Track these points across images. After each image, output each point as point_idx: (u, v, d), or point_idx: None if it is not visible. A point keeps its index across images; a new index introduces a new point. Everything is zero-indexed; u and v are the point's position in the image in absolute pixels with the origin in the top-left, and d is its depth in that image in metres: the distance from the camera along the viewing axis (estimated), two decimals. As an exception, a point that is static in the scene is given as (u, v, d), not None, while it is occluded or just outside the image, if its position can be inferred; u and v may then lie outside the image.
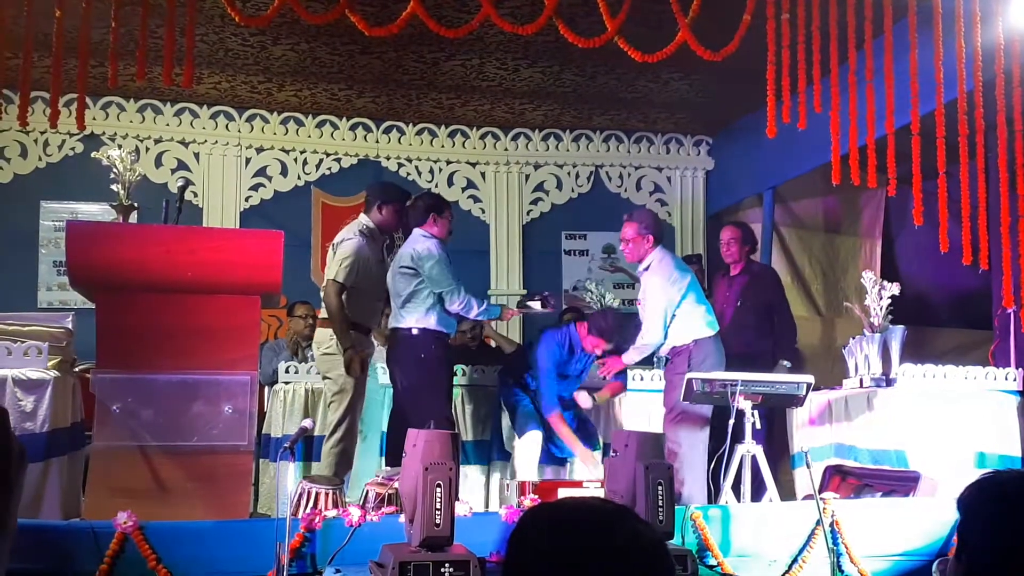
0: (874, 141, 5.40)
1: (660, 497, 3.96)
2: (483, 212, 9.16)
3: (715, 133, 9.34)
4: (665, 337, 5.77)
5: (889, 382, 5.72)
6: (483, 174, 9.19)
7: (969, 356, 7.02)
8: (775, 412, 6.27)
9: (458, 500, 4.01)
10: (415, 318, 5.60)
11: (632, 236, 5.89)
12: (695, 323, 5.77)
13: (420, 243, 5.67)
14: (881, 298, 5.85)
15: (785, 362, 6.59)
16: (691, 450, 5.60)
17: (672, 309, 5.73)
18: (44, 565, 3.84)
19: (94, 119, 8.03)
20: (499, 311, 5.95)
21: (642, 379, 6.60)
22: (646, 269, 5.87)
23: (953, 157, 5.40)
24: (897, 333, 5.81)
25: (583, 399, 6.23)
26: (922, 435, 5.52)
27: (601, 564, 1.51)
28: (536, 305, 6.06)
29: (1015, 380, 5.80)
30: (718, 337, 5.84)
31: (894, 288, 5.84)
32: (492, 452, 6.40)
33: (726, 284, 7.09)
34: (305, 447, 6.08)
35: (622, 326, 5.92)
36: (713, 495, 5.44)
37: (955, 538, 1.83)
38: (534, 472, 5.93)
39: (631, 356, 5.91)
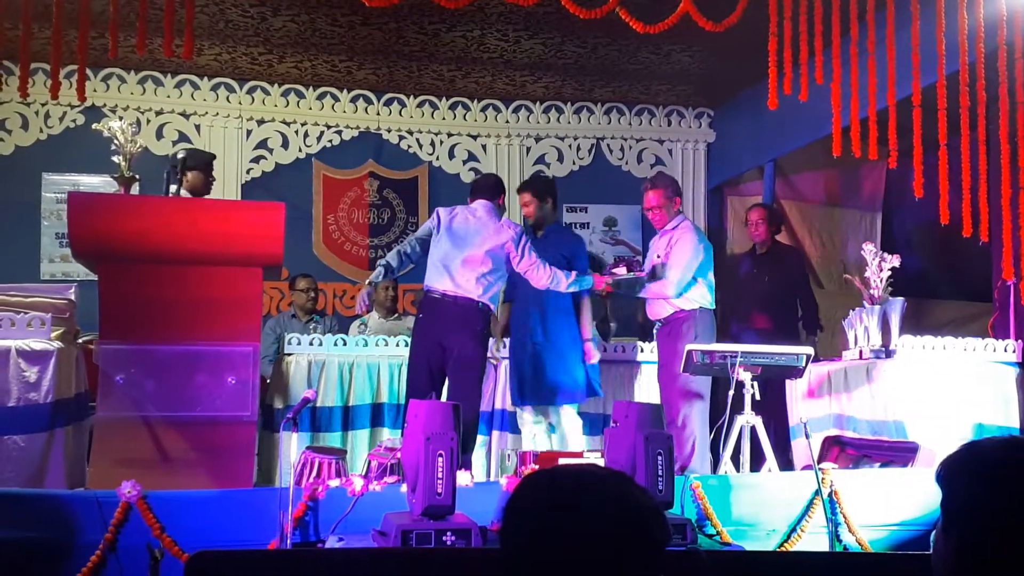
0: (875, 113, 5.40)
1: (660, 467, 4.00)
2: (484, 184, 9.14)
3: (717, 105, 9.31)
4: (680, 295, 5.81)
5: (888, 354, 5.75)
6: (484, 146, 9.17)
7: (969, 328, 7.04)
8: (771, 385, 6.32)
9: (460, 470, 4.05)
10: (490, 293, 5.53)
11: (660, 202, 5.97)
12: (704, 292, 5.83)
13: (507, 221, 5.69)
14: (881, 270, 5.86)
15: (814, 337, 6.79)
16: (701, 419, 5.67)
17: (693, 270, 5.81)
18: (49, 534, 3.88)
19: (95, 91, 8.00)
20: (590, 281, 5.78)
21: (642, 351, 6.63)
22: (675, 228, 5.94)
23: (954, 129, 5.40)
24: (897, 305, 5.83)
25: (594, 355, 6.02)
26: (921, 406, 5.54)
27: (596, 530, 1.53)
28: (622, 271, 5.85)
29: (1014, 352, 5.82)
30: (714, 313, 5.91)
31: (894, 260, 5.86)
32: (493, 422, 6.44)
33: (753, 262, 7.26)
34: (312, 418, 6.12)
35: None
36: (712, 465, 5.48)
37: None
38: (580, 442, 5.98)
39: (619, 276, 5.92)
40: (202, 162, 5.75)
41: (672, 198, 5.99)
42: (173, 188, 5.41)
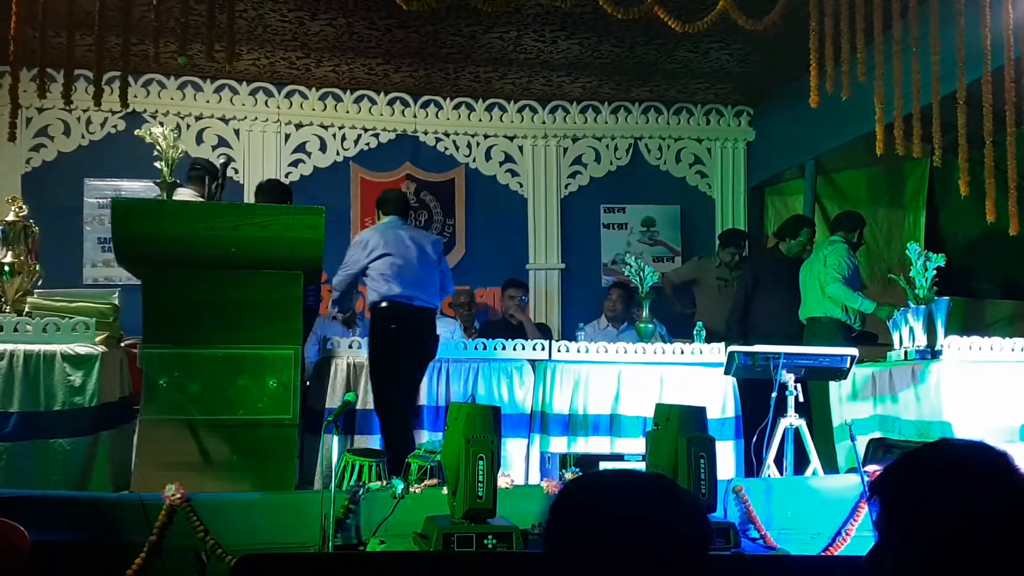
0: (919, 110, 5.32)
1: (702, 470, 3.97)
2: (521, 186, 9.13)
3: (756, 103, 9.23)
4: None
5: (934, 354, 5.66)
6: (521, 148, 9.16)
7: (1016, 328, 6.92)
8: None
9: (500, 473, 4.04)
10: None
11: None
12: None
13: None
14: (926, 269, 5.78)
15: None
16: None
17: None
18: (94, 537, 3.92)
19: (135, 97, 8.06)
20: None
21: (682, 352, 6.56)
22: None
23: (1000, 125, 5.30)
24: (942, 305, 5.73)
25: None
26: (967, 407, 5.44)
27: (642, 531, 1.53)
28: None
29: (1063, 352, 5.70)
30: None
31: (939, 259, 5.77)
32: (532, 425, 6.41)
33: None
34: (350, 421, 6.13)
35: None
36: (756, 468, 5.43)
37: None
38: None
39: None
40: (281, 195, 5.91)
41: None
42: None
